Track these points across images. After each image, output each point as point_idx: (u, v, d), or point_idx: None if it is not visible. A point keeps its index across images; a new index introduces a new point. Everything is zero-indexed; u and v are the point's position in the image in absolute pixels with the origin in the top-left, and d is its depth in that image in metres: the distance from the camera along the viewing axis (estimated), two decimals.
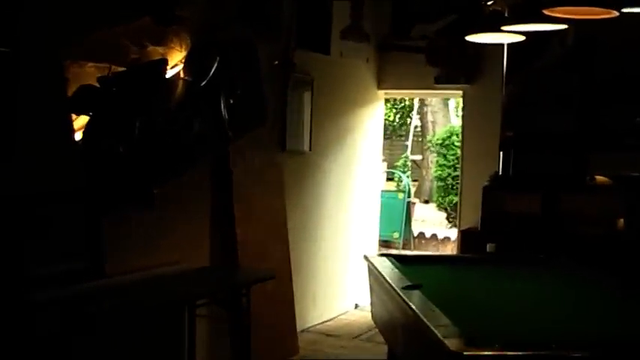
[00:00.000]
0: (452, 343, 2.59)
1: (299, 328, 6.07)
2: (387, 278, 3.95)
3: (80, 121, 4.08)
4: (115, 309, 3.67)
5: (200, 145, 4.69)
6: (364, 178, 7.58)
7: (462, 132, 7.07)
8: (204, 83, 4.64)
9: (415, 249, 12.24)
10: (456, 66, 6.80)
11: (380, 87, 7.51)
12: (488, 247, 6.40)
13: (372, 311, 4.73)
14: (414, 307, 3.25)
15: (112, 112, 4.04)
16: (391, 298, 3.73)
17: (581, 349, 2.63)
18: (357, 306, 7.32)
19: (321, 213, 6.70)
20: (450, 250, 12.06)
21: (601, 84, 6.01)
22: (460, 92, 7.04)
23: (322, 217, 6.74)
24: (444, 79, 6.88)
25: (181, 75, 4.62)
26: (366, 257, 4.78)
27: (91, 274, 3.86)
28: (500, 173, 6.51)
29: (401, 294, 3.55)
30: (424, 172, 17.92)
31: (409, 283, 3.75)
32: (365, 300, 7.51)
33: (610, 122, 5.97)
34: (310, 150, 6.38)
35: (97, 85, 4.03)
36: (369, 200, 7.80)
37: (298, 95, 6.19)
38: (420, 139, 19.13)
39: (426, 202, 17.12)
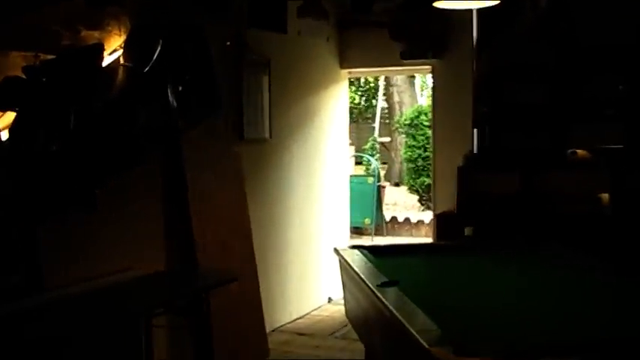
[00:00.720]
0: (439, 353, 2.27)
1: (269, 328, 5.73)
2: (361, 274, 3.63)
3: (5, 119, 3.68)
4: (55, 329, 3.29)
5: (147, 138, 4.30)
6: (331, 163, 7.25)
7: (433, 110, 6.75)
8: (147, 69, 4.25)
9: (388, 234, 11.97)
10: (422, 40, 6.47)
11: (343, 66, 7.16)
12: (466, 230, 6.12)
13: (345, 308, 4.43)
14: (391, 307, 2.94)
15: (42, 106, 3.64)
16: (366, 296, 3.41)
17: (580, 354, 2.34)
18: (330, 300, 7.00)
19: (286, 204, 6.36)
20: (424, 233, 11.80)
21: (578, 51, 5.72)
22: (428, 67, 6.71)
23: (288, 208, 6.40)
24: (409, 54, 6.55)
25: (121, 61, 4.23)
26: (336, 250, 4.45)
27: (27, 288, 3.48)
28: (475, 152, 6.22)
29: (376, 292, 3.24)
30: (393, 155, 17.68)
31: (385, 279, 3.45)
32: (339, 293, 7.20)
33: (589, 92, 5.69)
34: (271, 137, 6.02)
35: (24, 76, 3.62)
36: (338, 186, 7.47)
37: (254, 79, 5.82)
38: (388, 121, 18.89)
39: (397, 184, 16.87)
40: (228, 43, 5.39)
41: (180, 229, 4.61)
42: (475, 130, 6.22)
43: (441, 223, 6.42)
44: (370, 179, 11.90)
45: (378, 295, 3.19)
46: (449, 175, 6.40)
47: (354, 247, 4.59)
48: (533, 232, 5.68)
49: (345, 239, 7.69)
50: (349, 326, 5.15)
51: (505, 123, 6.13)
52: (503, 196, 5.96)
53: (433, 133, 6.75)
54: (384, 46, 6.66)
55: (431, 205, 13.96)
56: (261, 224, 5.82)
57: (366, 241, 11.32)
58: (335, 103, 7.22)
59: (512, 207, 5.94)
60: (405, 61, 6.61)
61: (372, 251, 4.37)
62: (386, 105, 18.46)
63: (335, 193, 7.39)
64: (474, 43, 6.15)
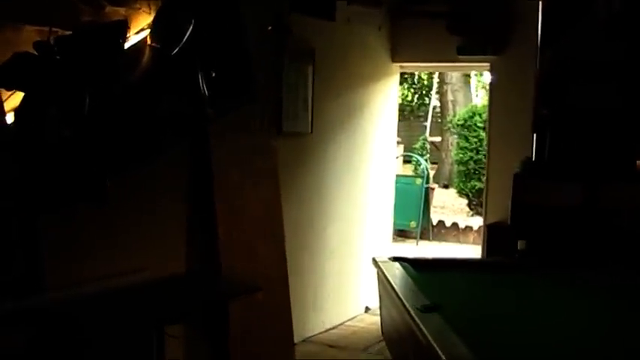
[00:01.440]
0: None
1: (298, 338, 5.37)
2: (400, 293, 3.25)
3: (14, 99, 3.37)
4: (53, 335, 2.96)
5: (171, 128, 3.95)
6: (377, 162, 6.85)
7: (489, 110, 6.29)
8: (176, 51, 3.90)
9: (434, 239, 11.52)
10: (481, 34, 6.02)
11: (394, 59, 6.74)
12: (519, 244, 5.66)
13: (382, 326, 4.04)
14: (430, 338, 2.57)
15: (53, 86, 3.31)
16: (403, 319, 3.02)
17: None
18: (367, 309, 6.61)
19: (325, 204, 5.98)
20: (472, 240, 11.32)
21: None
22: (487, 65, 6.25)
23: (327, 209, 6.01)
24: (467, 49, 6.10)
25: (148, 41, 3.89)
26: (375, 262, 4.07)
27: (25, 287, 3.17)
28: (534, 158, 5.75)
29: (415, 317, 2.85)
30: (443, 155, 17.19)
31: (426, 302, 3.06)
32: (377, 300, 6.82)
33: None
34: (312, 132, 5.64)
35: (35, 52, 3.30)
36: (383, 187, 7.07)
37: (297, 68, 5.44)
38: (440, 120, 18.37)
39: (446, 186, 16.36)
40: (270, 27, 5.02)
41: (204, 228, 4.26)
42: (535, 135, 5.74)
43: (492, 233, 5.97)
44: (418, 180, 11.46)
45: (417, 321, 2.81)
46: (503, 181, 5.95)
47: (394, 258, 4.18)
48: (595, 251, 5.24)
49: (387, 243, 7.30)
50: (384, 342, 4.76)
51: (568, 128, 5.63)
52: (563, 208, 5.48)
53: (488, 135, 6.29)
54: (439, 40, 6.23)
55: (480, 210, 13.49)
56: (297, 225, 5.46)
57: (411, 244, 10.90)
58: (384, 98, 6.81)
59: (572, 221, 5.46)
60: (461, 57, 6.17)
61: (414, 265, 3.98)
62: (438, 104, 17.97)
63: (379, 193, 7.00)
64: (538, 39, 5.67)
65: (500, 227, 5.93)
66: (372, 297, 6.59)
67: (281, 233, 5.07)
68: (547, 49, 5.65)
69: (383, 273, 3.79)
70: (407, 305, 3.02)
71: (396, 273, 3.77)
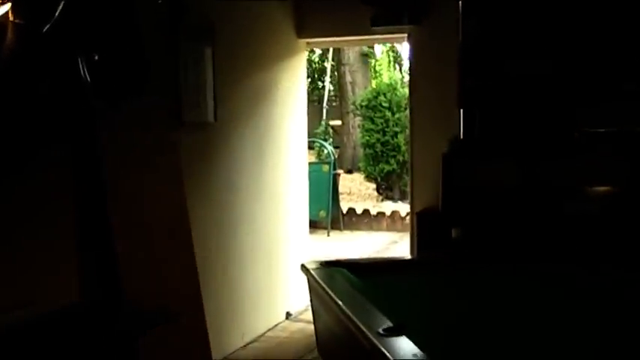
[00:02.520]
0: None
1: (218, 356, 4.73)
2: (348, 310, 2.69)
3: None
4: None
5: (49, 121, 3.24)
6: (289, 150, 6.26)
7: (410, 86, 5.78)
8: (47, 29, 3.17)
9: (345, 228, 11.04)
10: (397, 2, 5.50)
11: (300, 35, 6.14)
12: (454, 232, 5.21)
13: (318, 341, 3.50)
14: None
15: None
16: (359, 345, 2.46)
17: None
18: (289, 315, 6.02)
19: (234, 202, 5.34)
20: (386, 227, 10.93)
21: (589, 14, 4.83)
22: (404, 35, 5.74)
23: (237, 207, 5.38)
24: (382, 19, 5.57)
25: (10, 17, 3.15)
26: (305, 269, 3.50)
27: None
28: (462, 136, 5.29)
29: (380, 345, 2.31)
30: (345, 139, 16.79)
31: (383, 321, 2.53)
32: (299, 305, 6.26)
33: (603, 63, 4.81)
34: (216, 120, 4.98)
35: None
36: (296, 177, 6.50)
37: (195, 48, 4.78)
38: (339, 103, 17.95)
39: (350, 171, 15.94)
40: (160, 1, 4.33)
41: (99, 247, 3.54)
42: (461, 110, 5.28)
43: (422, 222, 5.48)
44: (325, 167, 10.96)
45: (384, 350, 2.26)
46: (430, 164, 5.49)
47: (327, 263, 3.61)
48: (538, 237, 4.85)
49: (305, 238, 6.74)
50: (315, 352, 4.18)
51: (498, 100, 5.20)
52: (499, 190, 5.07)
53: (411, 114, 5.79)
54: (350, 11, 5.67)
55: (390, 194, 13.19)
56: (205, 229, 4.81)
57: (322, 235, 10.38)
58: (291, 79, 6.21)
59: (509, 203, 5.05)
60: (375, 29, 5.63)
61: (352, 269, 3.44)
62: (331, 87, 17.59)
63: (293, 184, 6.42)
64: (460, 5, 5.20)
65: (430, 214, 5.45)
66: (292, 301, 6.03)
67: (190, 242, 4.41)
68: (471, 15, 5.19)
69: (318, 283, 3.22)
70: (363, 328, 2.46)
71: (334, 283, 3.23)
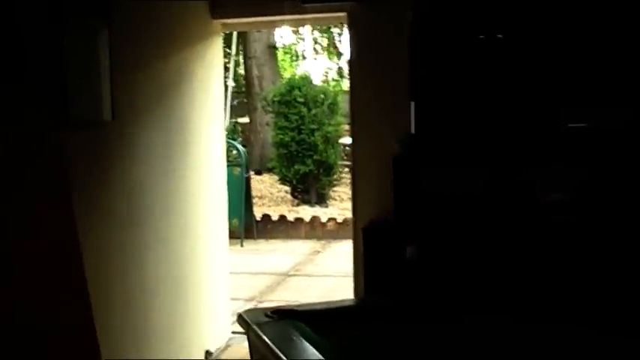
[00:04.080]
0: None
1: None
2: None
3: None
4: None
5: None
6: (202, 152, 5.30)
7: (351, 76, 4.90)
8: None
9: (259, 237, 10.11)
10: None
11: (215, 15, 5.16)
12: (409, 251, 4.37)
13: None
14: None
15: None
16: None
17: None
18: (208, 355, 5.05)
19: (140, 217, 4.35)
20: (305, 235, 10.08)
21: None
22: (342, 15, 4.85)
23: (143, 223, 4.39)
24: None
25: None
26: (245, 323, 2.63)
27: None
28: (415, 134, 4.46)
29: None
30: (252, 137, 15.88)
31: None
32: (220, 340, 5.33)
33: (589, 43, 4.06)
34: (114, 118, 3.96)
35: None
36: (213, 183, 5.56)
37: (86, 28, 3.76)
38: (245, 99, 17.02)
39: (258, 172, 15.00)
40: None
41: None
42: (412, 104, 4.45)
43: (370, 239, 4.61)
44: (237, 170, 10.06)
45: None
46: (376, 168, 4.66)
47: (276, 313, 2.70)
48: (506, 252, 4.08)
49: (223, 257, 5.81)
50: None
51: (457, 91, 4.40)
52: (462, 198, 4.27)
53: (351, 108, 4.91)
54: None
55: (306, 197, 12.30)
56: (101, 255, 3.82)
57: (235, 246, 9.39)
58: (205, 66, 5.23)
59: (473, 214, 4.26)
60: (307, 6, 4.73)
61: (307, 321, 2.56)
62: (234, 83, 16.66)
63: (210, 195, 5.49)
64: None
65: (379, 229, 4.60)
66: (212, 337, 5.09)
67: (79, 269, 3.40)
68: None
69: (268, 345, 2.32)
70: None
71: (292, 344, 2.32)
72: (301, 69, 17.49)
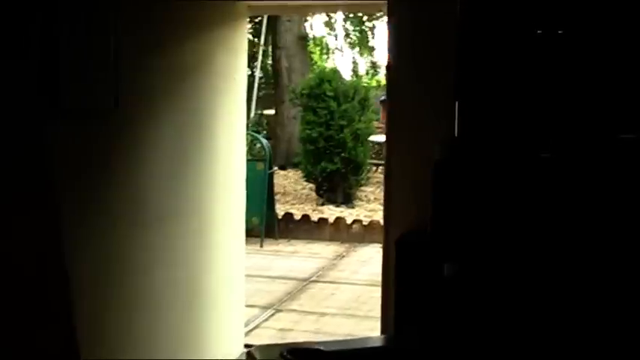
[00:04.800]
0: None
1: None
2: None
3: None
4: None
5: None
6: (222, 148, 4.82)
7: (389, 71, 4.36)
8: None
9: (281, 237, 9.61)
10: None
11: None
12: (446, 269, 3.87)
13: None
14: None
15: None
16: None
17: None
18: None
19: (146, 223, 3.89)
20: (329, 237, 9.56)
21: None
22: (382, 2, 4.32)
23: (149, 231, 3.93)
24: None
25: None
26: None
27: None
28: (459, 137, 3.95)
29: None
30: (278, 131, 15.43)
31: None
32: (231, 354, 4.88)
33: None
34: (118, 106, 3.49)
35: None
36: (232, 181, 5.10)
37: (86, 7, 3.30)
38: (270, 90, 16.58)
39: (283, 167, 14.55)
40: None
41: None
42: (457, 104, 3.94)
43: (404, 253, 4.10)
44: (260, 164, 9.56)
45: None
46: (412, 172, 4.14)
47: (292, 351, 2.21)
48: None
49: (239, 257, 5.35)
50: None
51: (507, 91, 3.88)
52: (511, 210, 3.76)
53: (390, 106, 4.39)
54: None
55: (332, 197, 11.79)
56: (100, 268, 3.36)
57: (254, 246, 8.91)
58: (228, 52, 4.74)
59: (525, 230, 3.74)
60: None
61: None
62: (261, 74, 16.23)
63: (226, 190, 5.01)
64: None
65: (414, 242, 4.08)
66: (223, 350, 4.63)
67: (66, 300, 2.95)
68: None
69: None
70: None
71: None
72: (331, 62, 17.02)
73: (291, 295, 6.79)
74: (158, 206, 4.01)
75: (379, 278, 7.57)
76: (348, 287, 7.10)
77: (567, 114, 3.77)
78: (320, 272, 7.77)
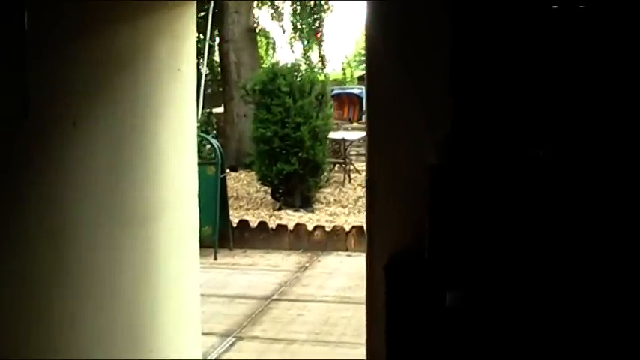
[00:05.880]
0: None
1: None
2: None
3: None
4: None
5: None
6: (166, 148, 4.14)
7: (369, 63, 3.67)
8: None
9: (235, 247, 8.88)
10: None
11: None
12: (450, 298, 3.22)
13: None
14: None
15: None
16: None
17: None
18: None
19: (67, 232, 3.16)
20: (289, 245, 8.87)
21: None
22: None
23: (77, 255, 3.21)
24: None
25: None
26: None
27: None
28: (456, 137, 3.31)
29: None
30: (228, 130, 14.73)
31: None
32: None
33: None
34: (28, 116, 2.75)
35: None
36: (179, 187, 4.48)
37: None
38: (221, 87, 15.82)
39: (233, 168, 13.82)
40: None
41: None
42: (455, 99, 3.30)
43: (396, 281, 3.42)
44: (211, 169, 8.86)
45: None
46: (400, 181, 3.50)
47: None
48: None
49: (193, 276, 4.71)
50: None
51: (514, 83, 3.25)
52: (524, 225, 3.15)
53: (369, 103, 3.71)
54: None
55: (289, 200, 11.07)
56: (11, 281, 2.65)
57: (208, 259, 8.16)
58: (170, 39, 4.03)
59: (544, 249, 3.13)
60: None
61: None
62: (207, 70, 15.47)
63: (175, 200, 4.37)
64: None
65: (406, 266, 3.42)
66: None
67: None
68: None
69: None
70: None
71: None
72: (279, 56, 16.42)
73: (252, 319, 6.07)
74: (82, 220, 3.30)
75: (348, 294, 6.88)
76: (315, 306, 6.40)
77: (568, 110, 3.21)
78: (282, 288, 7.06)
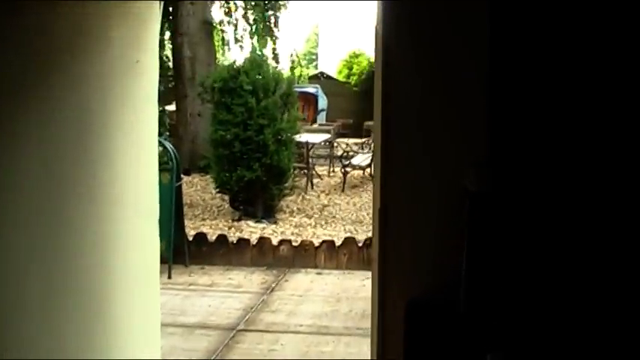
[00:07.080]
0: None
1: None
2: None
3: None
4: None
5: None
6: (122, 151, 3.49)
7: (384, 70, 2.98)
8: None
9: (192, 263, 8.14)
10: None
11: None
12: None
13: None
14: None
15: None
16: None
17: None
18: None
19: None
20: (251, 261, 8.17)
21: None
22: None
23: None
24: None
25: None
26: None
27: None
28: (493, 158, 2.69)
29: None
30: (181, 130, 14.02)
31: None
32: None
33: None
34: None
35: None
36: (138, 203, 4.01)
37: None
38: (172, 82, 15.05)
39: (187, 172, 13.06)
40: None
41: None
42: (490, 117, 2.70)
43: (417, 338, 2.76)
44: (165, 176, 8.09)
45: None
46: (424, 210, 2.86)
47: None
48: None
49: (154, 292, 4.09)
50: None
51: (562, 98, 2.64)
52: (583, 262, 2.56)
53: (384, 116, 3.02)
54: None
55: (250, 210, 10.30)
56: None
57: (161, 278, 7.37)
58: (125, 25, 3.34)
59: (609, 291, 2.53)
60: None
61: None
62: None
63: (132, 213, 3.91)
64: None
65: (431, 319, 2.77)
66: None
67: None
68: None
69: None
70: None
71: None
72: (232, 54, 15.77)
73: (217, 355, 5.35)
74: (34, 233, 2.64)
75: (325, 322, 6.24)
76: (289, 339, 5.70)
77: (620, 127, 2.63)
78: (248, 315, 6.35)
